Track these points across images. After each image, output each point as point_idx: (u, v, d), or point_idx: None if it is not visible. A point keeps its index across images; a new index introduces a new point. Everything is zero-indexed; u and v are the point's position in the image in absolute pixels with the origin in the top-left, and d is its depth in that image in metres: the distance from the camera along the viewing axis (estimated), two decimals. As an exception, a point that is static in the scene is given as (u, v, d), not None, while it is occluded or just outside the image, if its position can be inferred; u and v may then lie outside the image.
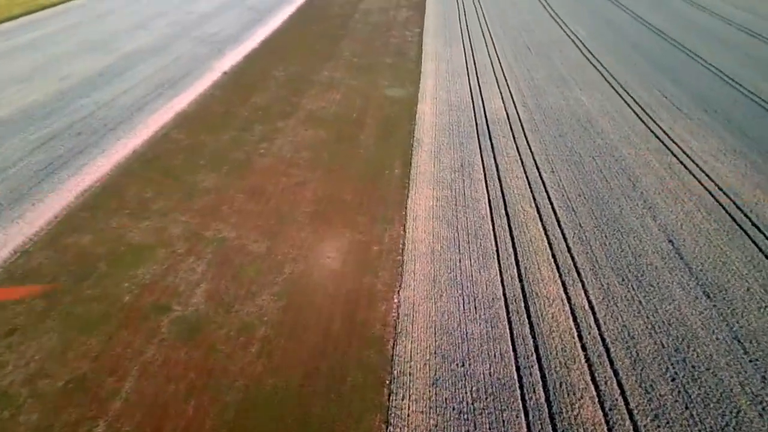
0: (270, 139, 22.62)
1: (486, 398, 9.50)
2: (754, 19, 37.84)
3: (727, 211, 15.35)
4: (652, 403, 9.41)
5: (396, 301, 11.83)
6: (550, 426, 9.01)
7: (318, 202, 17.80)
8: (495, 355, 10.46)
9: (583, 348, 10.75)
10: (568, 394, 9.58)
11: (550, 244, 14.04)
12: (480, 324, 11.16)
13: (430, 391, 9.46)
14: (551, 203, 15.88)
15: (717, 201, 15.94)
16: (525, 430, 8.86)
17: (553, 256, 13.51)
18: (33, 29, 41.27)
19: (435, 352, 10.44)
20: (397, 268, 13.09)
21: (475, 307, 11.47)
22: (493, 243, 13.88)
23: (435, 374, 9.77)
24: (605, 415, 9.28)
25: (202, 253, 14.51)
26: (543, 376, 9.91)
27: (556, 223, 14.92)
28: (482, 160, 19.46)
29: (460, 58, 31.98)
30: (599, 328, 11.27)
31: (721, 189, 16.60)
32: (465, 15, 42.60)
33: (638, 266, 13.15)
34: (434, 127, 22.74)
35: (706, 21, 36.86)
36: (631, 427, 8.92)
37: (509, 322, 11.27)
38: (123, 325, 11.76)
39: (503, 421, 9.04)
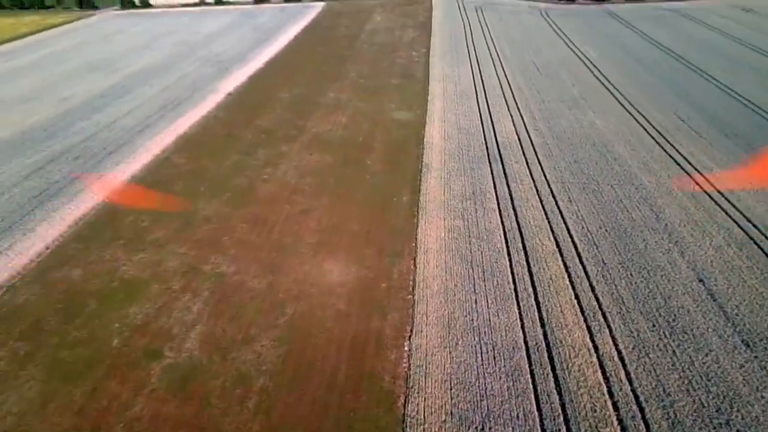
0: (274, 163, 21.95)
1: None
2: (764, 38, 37.30)
3: (759, 247, 14.24)
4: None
5: (407, 348, 10.84)
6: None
7: (322, 232, 16.95)
8: (518, 416, 9.34)
9: (615, 407, 9.62)
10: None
11: (572, 282, 13.02)
12: (500, 378, 10.06)
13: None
14: (571, 236, 14.90)
15: (747, 235, 14.84)
16: None
17: (576, 296, 12.45)
18: (39, 48, 41.41)
19: (451, 412, 9.32)
20: (407, 310, 12.08)
21: (495, 357, 10.42)
22: (511, 281, 12.90)
23: (452, 441, 8.70)
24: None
25: (199, 290, 13.63)
26: (573, 443, 8.84)
27: (577, 258, 13.88)
28: (495, 188, 18.63)
29: (467, 78, 31.49)
30: (631, 383, 10.10)
31: (750, 221, 15.51)
32: (471, 34, 42.41)
33: (669, 309, 12.02)
34: (443, 152, 22.02)
35: (717, 41, 36.26)
36: None
37: (532, 375, 10.18)
38: (110, 374, 10.78)
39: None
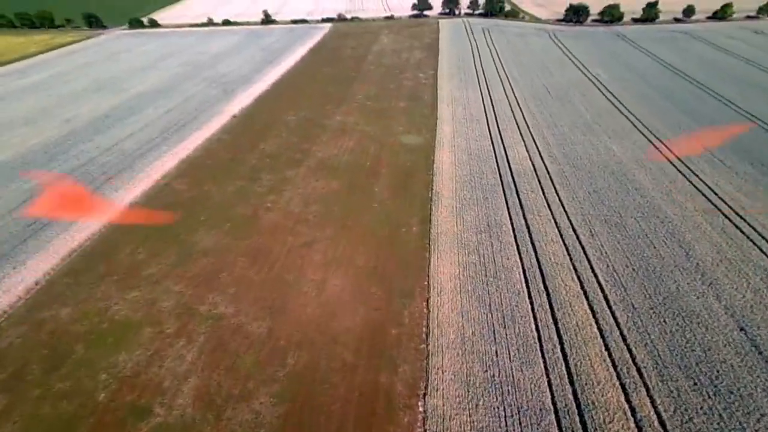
0: (278, 190, 21.14)
1: None
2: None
3: (804, 290, 13.44)
4: None
5: (421, 410, 9.75)
6: None
7: (327, 267, 15.94)
8: (550, 498, 8.24)
9: (661, 486, 8.51)
10: None
11: (600, 330, 11.93)
12: (528, 450, 9.09)
13: None
14: (596, 275, 13.87)
15: (788, 276, 14.06)
16: None
17: (607, 347, 11.32)
18: (47, 68, 41.56)
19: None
20: (420, 362, 10.96)
21: (521, 424, 9.33)
22: (534, 329, 11.84)
23: None
24: None
25: (194, 335, 12.62)
26: None
27: (604, 302, 12.77)
28: (511, 219, 17.65)
29: (477, 101, 30.87)
30: (677, 459, 9.05)
31: (788, 260, 14.86)
32: (479, 55, 42.07)
33: (710, 364, 10.85)
34: (454, 179, 21.13)
35: (732, 64, 35.62)
36: None
37: (565, 448, 9.31)
38: (93, 435, 9.85)
39: None
